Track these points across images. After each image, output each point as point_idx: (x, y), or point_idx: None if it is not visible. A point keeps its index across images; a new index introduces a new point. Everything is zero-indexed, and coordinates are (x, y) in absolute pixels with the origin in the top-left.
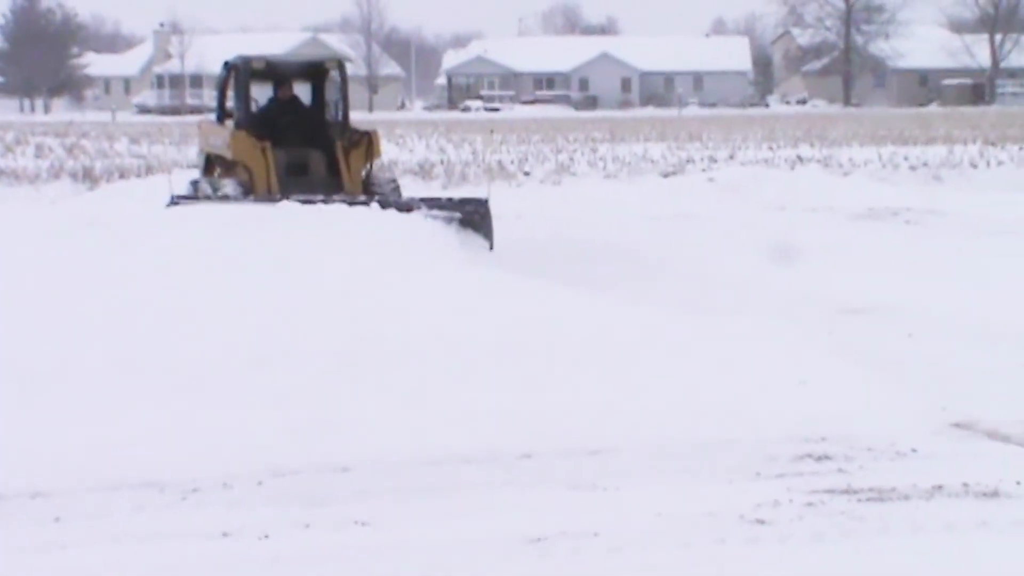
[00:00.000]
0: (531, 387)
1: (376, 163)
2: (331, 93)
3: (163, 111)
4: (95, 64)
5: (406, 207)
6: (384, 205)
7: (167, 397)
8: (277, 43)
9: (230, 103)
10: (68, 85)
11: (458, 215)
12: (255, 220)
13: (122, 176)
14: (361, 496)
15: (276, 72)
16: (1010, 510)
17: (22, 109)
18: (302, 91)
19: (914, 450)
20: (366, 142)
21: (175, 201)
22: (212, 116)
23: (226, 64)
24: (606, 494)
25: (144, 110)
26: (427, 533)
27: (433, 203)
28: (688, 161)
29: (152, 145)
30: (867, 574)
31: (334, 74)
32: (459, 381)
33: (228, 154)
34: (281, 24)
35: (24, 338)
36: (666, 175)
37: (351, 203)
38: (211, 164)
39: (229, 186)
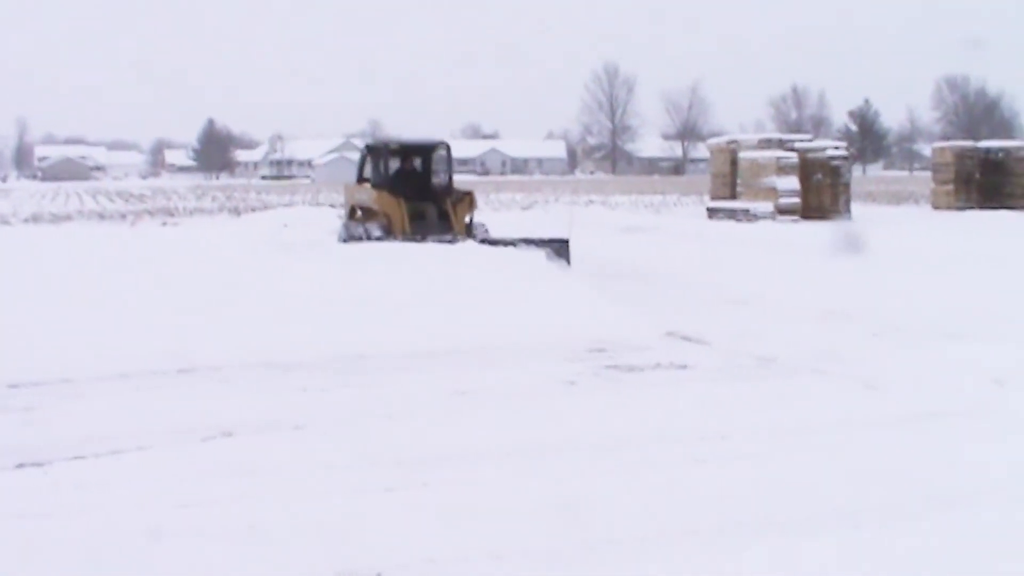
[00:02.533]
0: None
1: (474, 214)
2: (438, 165)
3: (272, 179)
4: (240, 154)
5: (510, 243)
6: (494, 243)
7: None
8: (325, 144)
9: (367, 172)
10: (227, 165)
11: (547, 248)
12: (413, 250)
13: (253, 210)
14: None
15: (404, 150)
16: (691, 373)
17: (206, 178)
18: (416, 163)
19: (648, 347)
20: (468, 199)
21: (345, 240)
22: (351, 180)
23: (367, 146)
24: (493, 368)
25: (264, 177)
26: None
27: (528, 241)
28: (535, 202)
29: (268, 195)
30: (626, 404)
31: (442, 152)
32: None
33: (374, 206)
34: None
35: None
36: (524, 208)
37: (475, 240)
38: (353, 212)
39: (376, 229)
